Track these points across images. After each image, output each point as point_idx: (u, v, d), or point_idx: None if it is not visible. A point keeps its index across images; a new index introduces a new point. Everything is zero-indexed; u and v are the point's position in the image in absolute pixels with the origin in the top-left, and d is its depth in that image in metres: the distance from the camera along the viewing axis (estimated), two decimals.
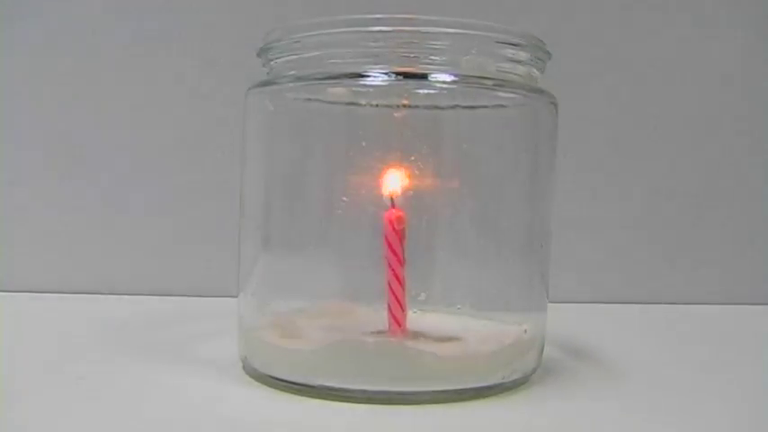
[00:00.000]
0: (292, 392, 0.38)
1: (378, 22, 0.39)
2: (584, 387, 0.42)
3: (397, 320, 0.40)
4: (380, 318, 0.40)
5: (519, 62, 0.40)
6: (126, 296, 0.62)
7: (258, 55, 0.42)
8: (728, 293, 0.67)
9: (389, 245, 0.39)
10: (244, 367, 0.41)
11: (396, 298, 0.40)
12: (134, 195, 0.63)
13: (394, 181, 0.40)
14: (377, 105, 0.41)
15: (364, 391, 0.37)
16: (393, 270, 0.40)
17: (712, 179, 0.67)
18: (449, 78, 0.39)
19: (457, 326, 0.41)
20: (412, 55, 0.39)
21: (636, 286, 0.67)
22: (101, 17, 0.62)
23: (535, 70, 0.42)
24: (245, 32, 0.46)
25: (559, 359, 0.46)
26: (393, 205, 0.40)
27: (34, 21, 0.61)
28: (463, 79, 0.39)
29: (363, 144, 0.41)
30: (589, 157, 0.65)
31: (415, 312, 0.40)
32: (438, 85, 0.39)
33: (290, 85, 0.40)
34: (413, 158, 0.40)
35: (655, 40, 0.66)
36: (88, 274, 0.63)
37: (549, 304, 0.43)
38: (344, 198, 0.41)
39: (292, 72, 0.40)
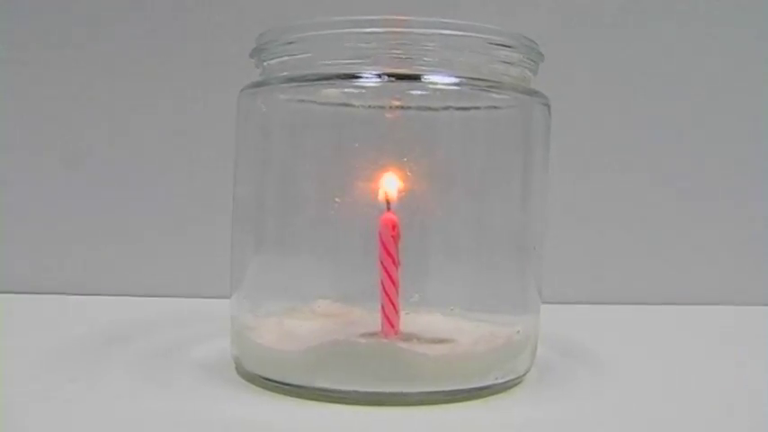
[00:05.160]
0: (285, 394, 0.38)
1: (370, 23, 0.38)
2: (577, 387, 0.42)
3: (390, 322, 0.40)
4: (373, 319, 0.40)
5: (512, 63, 0.40)
6: (119, 297, 0.62)
7: (251, 56, 0.42)
8: (723, 294, 0.67)
9: (385, 247, 0.39)
10: (236, 368, 0.41)
11: (389, 299, 0.40)
12: (127, 196, 0.63)
13: (389, 184, 0.40)
14: (370, 107, 0.41)
15: (357, 393, 0.37)
16: (387, 271, 0.40)
17: (707, 179, 0.67)
18: (442, 80, 0.39)
19: (450, 327, 0.41)
20: (405, 56, 0.39)
21: (629, 287, 0.67)
22: (95, 19, 0.62)
23: (528, 71, 0.42)
24: (239, 33, 0.46)
25: (552, 360, 0.46)
26: (389, 208, 0.40)
27: (31, 24, 0.61)
28: (456, 80, 0.39)
29: (356, 145, 0.41)
30: (580, 158, 0.65)
31: (407, 314, 0.40)
32: (431, 86, 0.39)
33: (283, 86, 0.40)
34: (406, 160, 0.40)
35: (650, 39, 0.66)
36: (80, 275, 0.63)
37: (543, 305, 0.43)
38: (337, 199, 0.41)
39: (285, 73, 0.40)
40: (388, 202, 0.40)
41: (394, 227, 0.39)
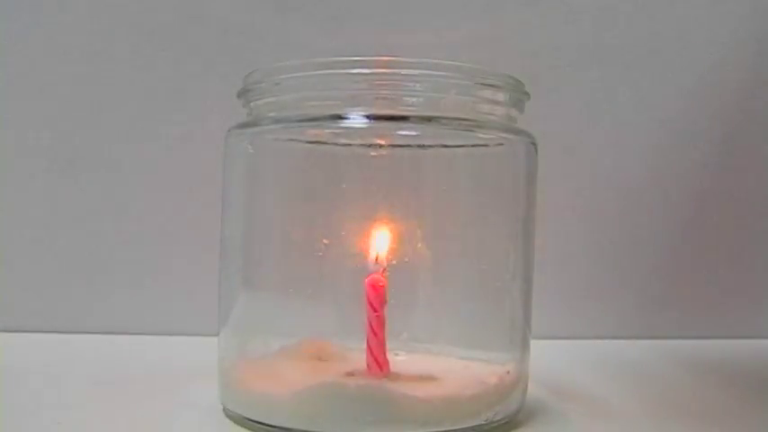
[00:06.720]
0: None
1: (357, 64, 0.39)
2: (569, 427, 0.41)
3: (378, 361, 0.40)
4: (361, 357, 0.40)
5: (498, 103, 0.41)
6: (104, 335, 0.61)
7: (238, 96, 0.42)
8: (715, 328, 0.67)
9: (372, 306, 0.40)
10: (224, 410, 0.41)
11: (377, 339, 0.40)
12: (113, 235, 0.62)
13: (380, 243, 0.40)
14: (357, 146, 0.41)
15: None
16: (375, 310, 0.40)
17: (695, 215, 0.67)
18: (428, 119, 0.39)
19: (439, 367, 0.41)
20: (391, 96, 0.39)
21: (621, 322, 0.66)
22: (79, 56, 0.62)
23: (514, 110, 0.42)
24: (227, 73, 0.47)
25: (543, 399, 0.45)
26: (384, 269, 0.40)
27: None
28: (442, 120, 0.39)
29: (344, 186, 0.41)
30: (571, 194, 0.65)
31: (397, 355, 0.40)
32: (417, 126, 0.39)
33: (270, 126, 0.40)
34: (393, 199, 0.40)
35: (635, 79, 0.66)
36: (66, 313, 0.62)
37: (532, 341, 0.43)
38: (325, 240, 0.41)
39: (272, 114, 0.40)
40: (376, 260, 0.40)
41: (381, 289, 0.39)
